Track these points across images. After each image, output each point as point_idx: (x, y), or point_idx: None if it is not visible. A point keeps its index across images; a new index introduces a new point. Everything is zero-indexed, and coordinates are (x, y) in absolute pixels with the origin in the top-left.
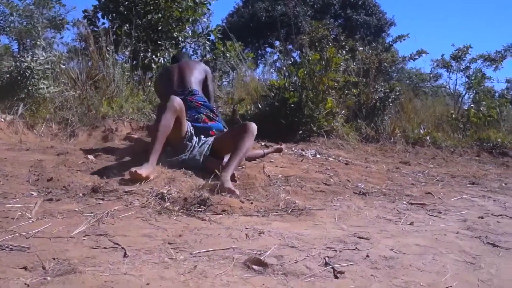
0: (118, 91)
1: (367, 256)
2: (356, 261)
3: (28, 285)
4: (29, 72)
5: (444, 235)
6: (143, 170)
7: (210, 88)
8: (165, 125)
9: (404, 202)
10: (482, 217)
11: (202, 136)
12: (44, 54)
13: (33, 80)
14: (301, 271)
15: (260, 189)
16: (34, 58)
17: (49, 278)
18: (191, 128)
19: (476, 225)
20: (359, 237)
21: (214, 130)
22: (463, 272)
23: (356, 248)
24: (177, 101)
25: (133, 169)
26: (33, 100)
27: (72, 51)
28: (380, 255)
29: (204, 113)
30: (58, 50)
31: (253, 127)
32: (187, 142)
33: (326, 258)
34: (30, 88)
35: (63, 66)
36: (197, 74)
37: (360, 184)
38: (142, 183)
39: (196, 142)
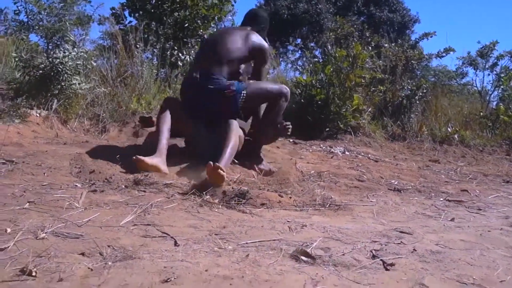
0: (147, 88)
1: (414, 250)
2: (403, 255)
3: (92, 269)
4: (61, 68)
5: (488, 231)
6: (149, 159)
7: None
8: (165, 117)
9: (441, 199)
10: None
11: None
12: (76, 50)
13: (66, 75)
14: (351, 262)
15: (295, 184)
16: (66, 54)
17: (110, 263)
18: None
19: None
20: (401, 232)
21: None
22: None
23: (401, 242)
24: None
25: (138, 156)
26: (66, 95)
27: (100, 49)
28: (426, 249)
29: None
30: (88, 47)
31: (234, 122)
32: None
33: (373, 251)
34: (63, 84)
35: (94, 63)
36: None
37: (393, 181)
38: (160, 175)
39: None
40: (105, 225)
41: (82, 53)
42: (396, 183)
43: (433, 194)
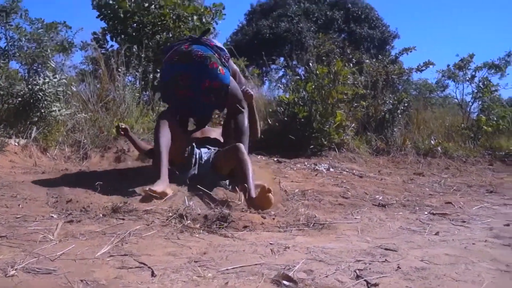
0: (129, 112)
1: (398, 267)
2: (388, 273)
3: None
4: (41, 94)
5: (473, 244)
6: (157, 187)
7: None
8: (164, 136)
9: (426, 213)
10: (508, 225)
11: (203, 150)
12: (57, 76)
13: (45, 102)
14: (334, 284)
15: (279, 204)
16: (46, 81)
17: None
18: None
19: (503, 233)
20: (386, 249)
21: (217, 81)
22: (499, 280)
23: (385, 260)
24: (168, 113)
25: (147, 187)
26: (45, 123)
27: (81, 74)
28: (411, 266)
29: (216, 55)
30: (68, 73)
31: (241, 147)
32: (191, 157)
33: (357, 271)
34: (42, 111)
35: (75, 89)
36: None
37: (378, 196)
38: (163, 200)
39: (199, 155)
40: (80, 258)
41: (62, 79)
42: (380, 198)
43: (417, 208)
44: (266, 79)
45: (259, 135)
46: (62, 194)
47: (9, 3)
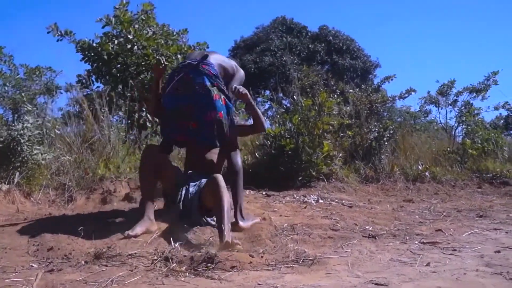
0: (115, 152)
1: None
2: None
3: None
4: (21, 139)
5: (464, 274)
6: (137, 229)
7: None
8: (148, 171)
9: (416, 242)
10: (498, 251)
11: (191, 183)
12: (38, 119)
13: (26, 147)
14: None
15: (267, 240)
16: (25, 125)
17: None
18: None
19: (494, 260)
20: (377, 284)
21: (222, 112)
22: None
23: None
24: (152, 150)
25: (126, 233)
26: (28, 167)
27: (66, 116)
28: None
29: (215, 84)
30: (52, 115)
31: (220, 178)
32: (178, 191)
33: None
34: (23, 155)
35: (58, 132)
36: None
37: (368, 227)
38: (149, 239)
39: (185, 190)
40: None
41: (45, 123)
42: (370, 229)
43: (408, 238)
44: None
45: (265, 127)
46: (44, 241)
47: None
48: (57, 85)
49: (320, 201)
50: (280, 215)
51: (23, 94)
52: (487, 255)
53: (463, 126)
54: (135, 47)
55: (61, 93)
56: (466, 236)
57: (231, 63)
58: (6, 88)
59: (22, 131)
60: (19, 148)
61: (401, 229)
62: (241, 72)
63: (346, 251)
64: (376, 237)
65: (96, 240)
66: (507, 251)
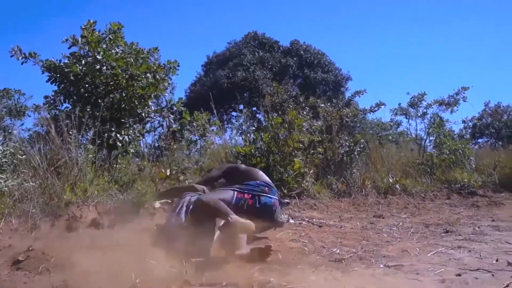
0: (82, 175)
1: None
2: None
3: None
4: None
5: None
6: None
7: None
8: None
9: (381, 266)
10: (459, 274)
11: None
12: (1, 148)
13: None
14: None
15: (232, 269)
16: None
17: None
18: None
19: (454, 285)
20: None
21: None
22: None
23: None
24: None
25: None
26: None
27: (34, 137)
28: None
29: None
30: (19, 137)
31: (204, 202)
32: None
33: None
34: None
35: (22, 157)
36: None
37: (335, 249)
38: None
39: None
40: None
41: (9, 149)
42: (338, 252)
43: (373, 260)
44: (227, 127)
45: None
46: None
47: None
48: (24, 106)
49: (291, 221)
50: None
51: None
52: (448, 279)
53: (433, 137)
54: (104, 67)
55: (29, 115)
56: (431, 256)
57: None
58: None
59: None
60: None
61: (368, 251)
62: None
63: (312, 279)
64: (343, 261)
65: (55, 277)
66: (467, 274)
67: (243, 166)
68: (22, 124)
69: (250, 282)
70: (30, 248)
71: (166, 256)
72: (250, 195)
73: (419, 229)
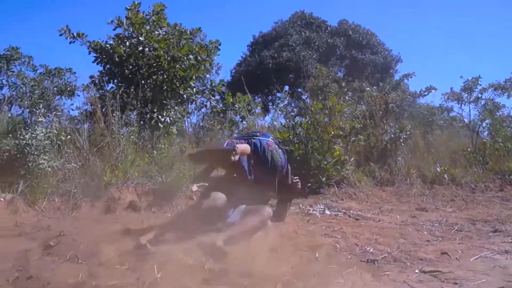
0: (123, 156)
1: None
2: None
3: None
4: (27, 149)
5: None
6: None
7: None
8: None
9: (417, 271)
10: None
11: None
12: (44, 130)
13: (32, 156)
14: None
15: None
16: (33, 135)
17: None
18: None
19: None
20: None
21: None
22: None
23: None
24: None
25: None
26: (34, 176)
27: (84, 115)
28: None
29: None
30: (68, 115)
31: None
32: None
33: None
34: (30, 164)
35: (65, 138)
36: None
37: (368, 248)
38: None
39: None
40: None
41: (50, 132)
42: (371, 251)
43: (409, 263)
44: (271, 108)
45: None
46: (28, 266)
47: (9, 51)
48: (74, 85)
49: (326, 212)
50: (280, 234)
51: (45, 95)
52: None
53: (487, 124)
54: (146, 49)
55: (78, 95)
56: (473, 261)
57: None
58: (24, 88)
59: (29, 141)
60: (25, 158)
61: (405, 251)
62: None
63: (339, 282)
64: (375, 262)
65: (83, 263)
66: None
67: None
68: (72, 104)
69: (274, 282)
70: (62, 234)
71: None
72: (243, 140)
73: (464, 227)
